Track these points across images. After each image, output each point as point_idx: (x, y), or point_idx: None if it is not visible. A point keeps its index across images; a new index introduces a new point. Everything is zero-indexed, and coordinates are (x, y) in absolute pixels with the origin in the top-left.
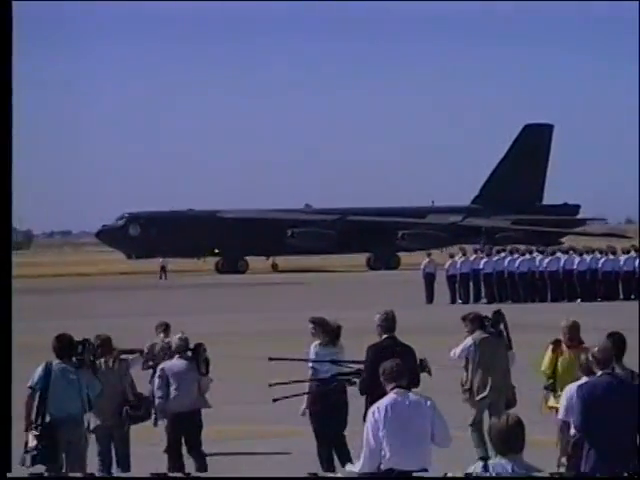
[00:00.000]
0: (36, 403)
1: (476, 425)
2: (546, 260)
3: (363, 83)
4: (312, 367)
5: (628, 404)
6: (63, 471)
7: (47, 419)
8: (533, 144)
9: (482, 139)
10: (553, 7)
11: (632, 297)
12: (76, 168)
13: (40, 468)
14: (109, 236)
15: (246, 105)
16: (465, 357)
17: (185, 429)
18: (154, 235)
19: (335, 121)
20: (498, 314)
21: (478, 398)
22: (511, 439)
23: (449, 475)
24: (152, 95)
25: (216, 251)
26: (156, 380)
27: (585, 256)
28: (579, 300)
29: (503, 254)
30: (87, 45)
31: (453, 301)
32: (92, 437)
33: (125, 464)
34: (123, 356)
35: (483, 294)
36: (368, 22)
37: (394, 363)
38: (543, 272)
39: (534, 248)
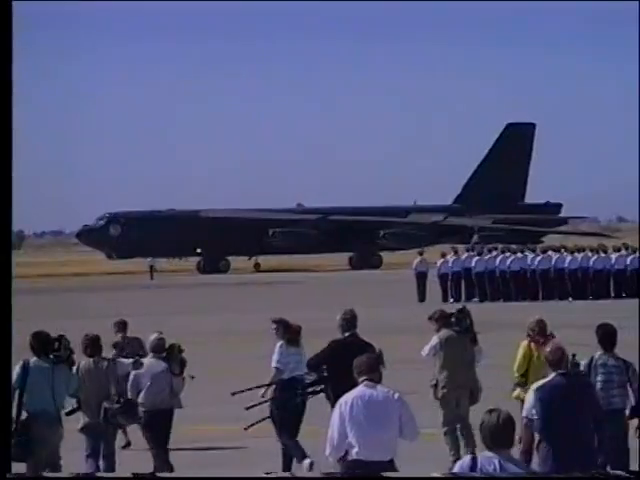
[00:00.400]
0: (16, 401)
1: (448, 426)
2: (538, 259)
3: (346, 82)
4: (276, 368)
5: (582, 404)
6: (38, 467)
7: (23, 416)
8: (515, 143)
9: (465, 138)
10: (533, 5)
11: (623, 295)
12: (68, 167)
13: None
14: (90, 236)
15: (235, 106)
16: (433, 355)
17: (157, 427)
18: (135, 235)
19: (321, 121)
20: (462, 312)
21: (439, 395)
22: (501, 435)
23: (435, 475)
24: (145, 95)
25: (198, 251)
26: (130, 378)
27: (576, 254)
28: (570, 298)
29: (495, 253)
30: (82, 44)
31: (445, 300)
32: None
33: (110, 463)
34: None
35: (475, 293)
36: (351, 21)
37: (367, 357)
38: (535, 271)
39: (525, 247)
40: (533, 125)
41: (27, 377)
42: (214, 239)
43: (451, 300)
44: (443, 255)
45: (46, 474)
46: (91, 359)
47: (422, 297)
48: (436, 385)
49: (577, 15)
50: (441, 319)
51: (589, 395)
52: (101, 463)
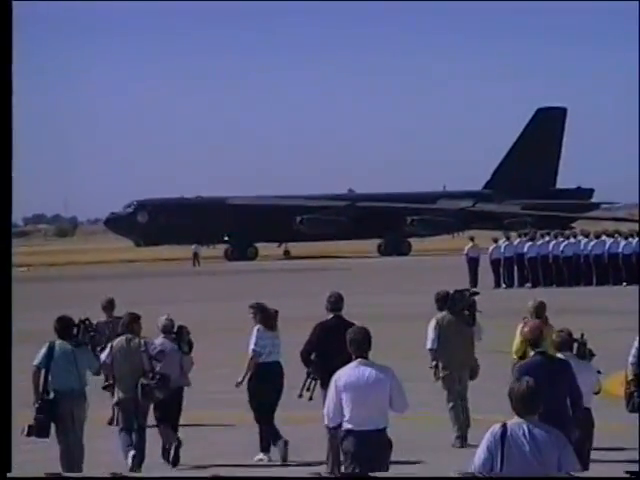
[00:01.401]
0: (42, 380)
1: (452, 402)
2: (591, 244)
3: (376, 66)
4: (253, 350)
5: (559, 382)
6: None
7: (51, 394)
8: (546, 128)
9: (497, 123)
10: None
11: None
12: (121, 154)
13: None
14: (117, 224)
15: (256, 90)
16: (436, 342)
17: (168, 405)
18: (162, 222)
19: (349, 107)
20: (459, 292)
21: (441, 375)
22: (528, 402)
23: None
24: (163, 81)
25: (225, 238)
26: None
27: (631, 239)
28: (624, 283)
29: (547, 238)
30: (82, 44)
31: (497, 285)
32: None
33: (142, 436)
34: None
35: (528, 278)
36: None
37: (359, 334)
38: (588, 256)
39: (578, 231)
40: (564, 109)
41: (52, 357)
42: (241, 226)
43: (503, 286)
44: (495, 240)
45: (47, 474)
46: (124, 338)
47: (474, 283)
48: (436, 366)
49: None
50: (441, 300)
51: (566, 374)
52: (133, 436)
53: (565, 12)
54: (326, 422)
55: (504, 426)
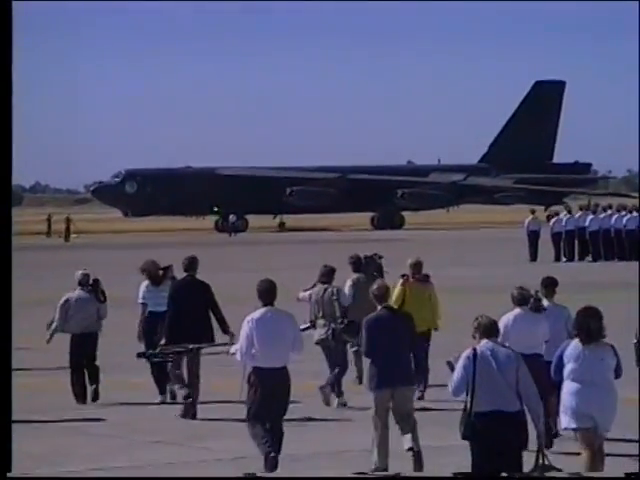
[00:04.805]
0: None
1: (356, 350)
2: None
3: (371, 41)
4: (142, 303)
5: (401, 331)
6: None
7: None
8: (544, 101)
9: (494, 96)
10: None
11: None
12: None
13: None
14: (105, 193)
15: (253, 65)
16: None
17: (84, 347)
18: (151, 193)
19: (345, 81)
20: (369, 257)
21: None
22: (492, 328)
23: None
24: (158, 62)
25: (215, 209)
26: (58, 306)
27: None
28: None
29: (610, 211)
30: (81, 44)
31: (557, 259)
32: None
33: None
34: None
35: (589, 252)
36: None
37: (268, 285)
38: None
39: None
40: (563, 83)
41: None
42: (231, 197)
43: (564, 259)
44: (556, 214)
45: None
46: (323, 286)
47: (534, 257)
48: (351, 321)
49: None
50: (354, 263)
51: (407, 325)
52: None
53: None
54: (238, 358)
55: (474, 349)
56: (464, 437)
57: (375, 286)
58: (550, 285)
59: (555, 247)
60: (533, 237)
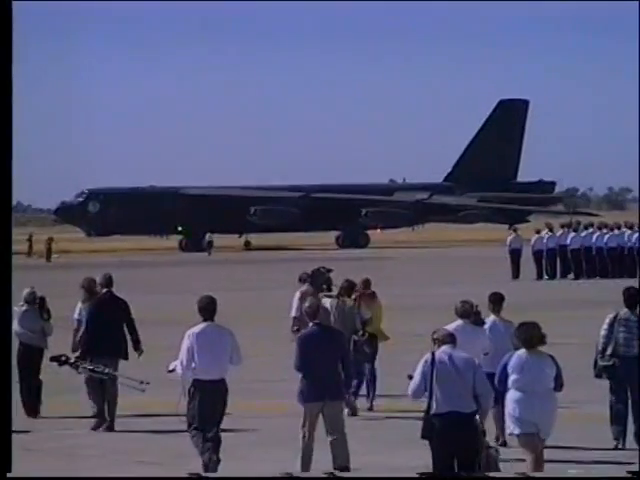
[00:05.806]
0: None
1: None
2: (635, 235)
3: (339, 57)
4: (77, 320)
5: (331, 346)
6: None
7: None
8: (508, 120)
9: (459, 115)
10: None
11: None
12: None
13: None
14: (68, 213)
15: (217, 82)
16: None
17: (28, 360)
18: (114, 212)
19: (316, 94)
20: (318, 270)
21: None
22: (449, 337)
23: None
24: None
25: (179, 229)
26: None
27: None
28: None
29: (591, 229)
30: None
31: (539, 277)
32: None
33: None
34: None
35: (571, 270)
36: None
37: (208, 301)
38: (632, 248)
39: (622, 223)
40: (526, 102)
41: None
42: (195, 217)
43: (546, 277)
44: (538, 232)
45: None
46: (337, 300)
47: (516, 274)
48: (298, 330)
49: None
50: (302, 277)
51: (337, 340)
52: None
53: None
54: (179, 371)
55: (433, 354)
56: (423, 437)
57: (307, 304)
58: (497, 301)
59: (537, 265)
60: (515, 255)
